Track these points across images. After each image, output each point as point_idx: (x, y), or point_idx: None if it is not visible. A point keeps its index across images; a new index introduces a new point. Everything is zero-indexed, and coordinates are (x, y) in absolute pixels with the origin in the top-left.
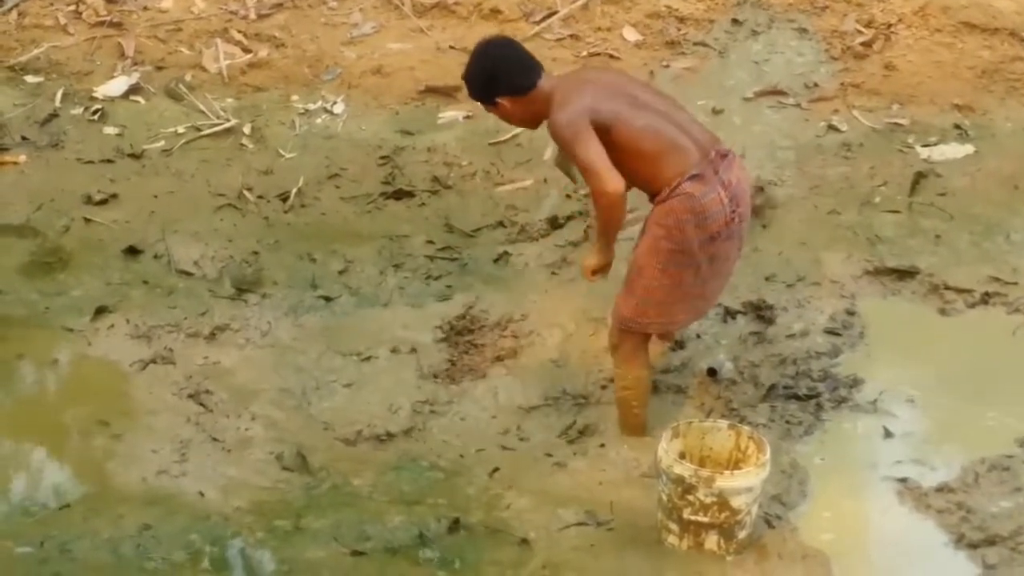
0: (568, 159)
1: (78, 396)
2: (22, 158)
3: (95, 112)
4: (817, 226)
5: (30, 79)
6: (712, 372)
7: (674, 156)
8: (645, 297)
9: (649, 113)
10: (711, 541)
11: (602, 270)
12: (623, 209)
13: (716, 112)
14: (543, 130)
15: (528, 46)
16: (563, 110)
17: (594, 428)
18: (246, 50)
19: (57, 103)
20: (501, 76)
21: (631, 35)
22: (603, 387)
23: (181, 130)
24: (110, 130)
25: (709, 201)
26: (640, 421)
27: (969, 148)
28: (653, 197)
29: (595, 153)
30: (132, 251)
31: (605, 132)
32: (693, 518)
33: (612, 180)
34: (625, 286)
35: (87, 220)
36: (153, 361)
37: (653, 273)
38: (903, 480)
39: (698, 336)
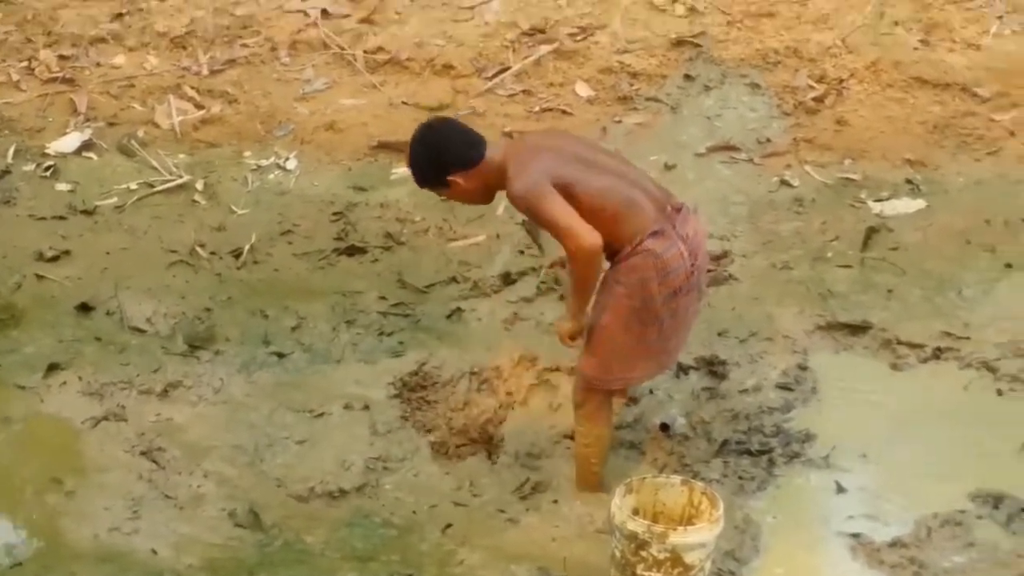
0: (535, 225)
1: (30, 453)
2: None
3: (47, 168)
4: (769, 281)
5: None
6: (664, 427)
7: (632, 214)
8: (608, 354)
9: (604, 174)
10: None
11: (580, 333)
12: (600, 264)
13: (669, 167)
14: None
15: (480, 102)
16: (520, 177)
17: (547, 484)
18: (199, 106)
19: (9, 159)
20: (447, 151)
21: (583, 90)
22: (556, 443)
23: (134, 186)
24: (62, 186)
25: (671, 256)
26: (598, 479)
27: (921, 203)
28: (612, 256)
29: (564, 211)
30: (84, 308)
31: (565, 196)
32: (647, 574)
33: (588, 235)
34: (587, 345)
35: (39, 277)
36: (105, 418)
37: (615, 331)
38: (856, 535)
39: (651, 391)
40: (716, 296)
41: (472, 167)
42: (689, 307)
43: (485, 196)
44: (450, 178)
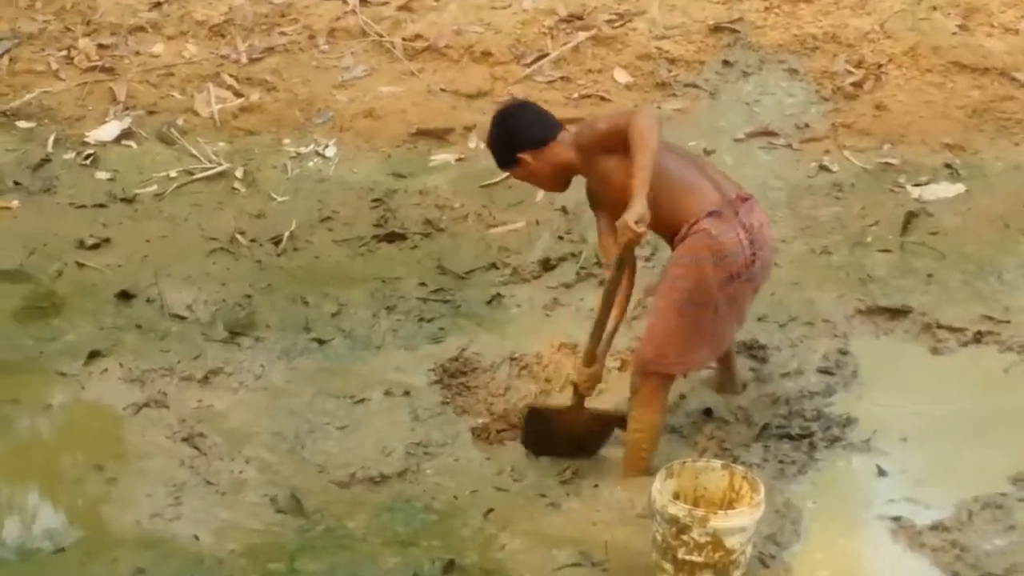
0: (602, 186)
1: (72, 440)
2: (15, 203)
3: (87, 157)
4: (809, 266)
5: (22, 124)
6: (708, 412)
7: (693, 195)
8: (664, 339)
9: (672, 155)
10: None
11: (644, 219)
12: (656, 127)
13: (707, 153)
14: None
15: (518, 89)
16: (571, 148)
17: (588, 469)
18: (238, 94)
19: (49, 148)
20: (517, 130)
21: (622, 77)
22: None
23: (173, 174)
24: (102, 175)
25: (727, 240)
26: (645, 465)
27: (960, 187)
28: (672, 238)
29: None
30: (125, 295)
31: (600, 175)
32: (688, 558)
33: (642, 110)
34: (646, 330)
35: (80, 265)
36: (147, 405)
37: (671, 314)
38: (897, 519)
39: (684, 376)
40: None
41: (541, 148)
42: (746, 296)
43: (556, 180)
44: (520, 155)
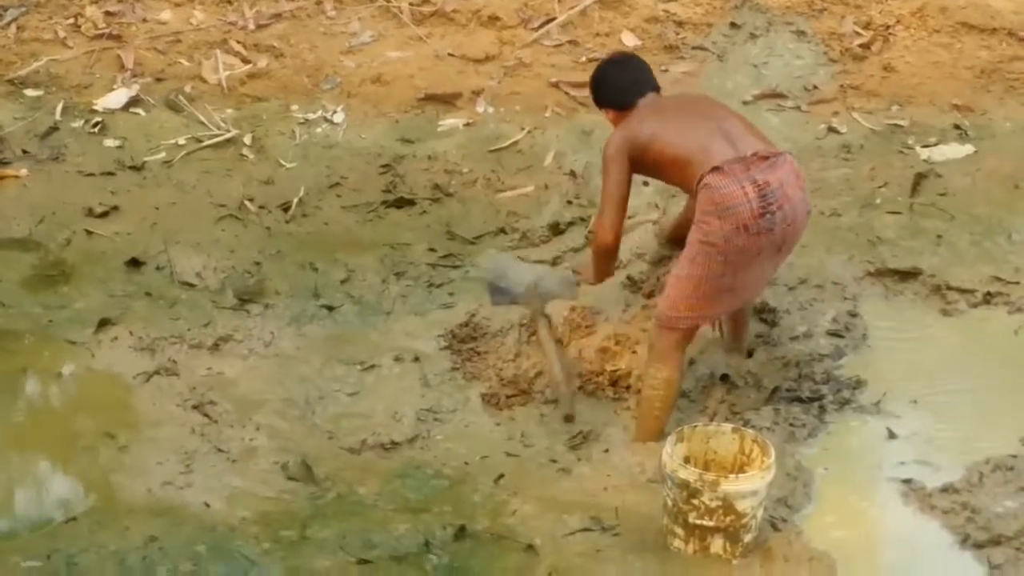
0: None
1: (82, 409)
2: (23, 172)
3: (95, 125)
4: (818, 228)
5: (30, 93)
6: (725, 377)
7: (702, 155)
8: (678, 292)
9: (689, 123)
10: (717, 545)
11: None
12: (607, 259)
13: None
14: (542, 136)
15: (526, 53)
16: (614, 136)
17: (598, 433)
18: (245, 61)
19: (57, 116)
20: (601, 88)
21: (630, 40)
22: (603, 388)
23: (181, 141)
24: (110, 142)
25: (728, 193)
26: (659, 426)
27: (969, 148)
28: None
29: (612, 192)
30: (134, 263)
31: (643, 150)
32: (698, 522)
33: (607, 231)
34: (665, 288)
35: (89, 233)
36: (157, 373)
37: (684, 265)
38: (907, 481)
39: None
40: None
41: (617, 110)
42: (761, 251)
43: None
44: (602, 108)
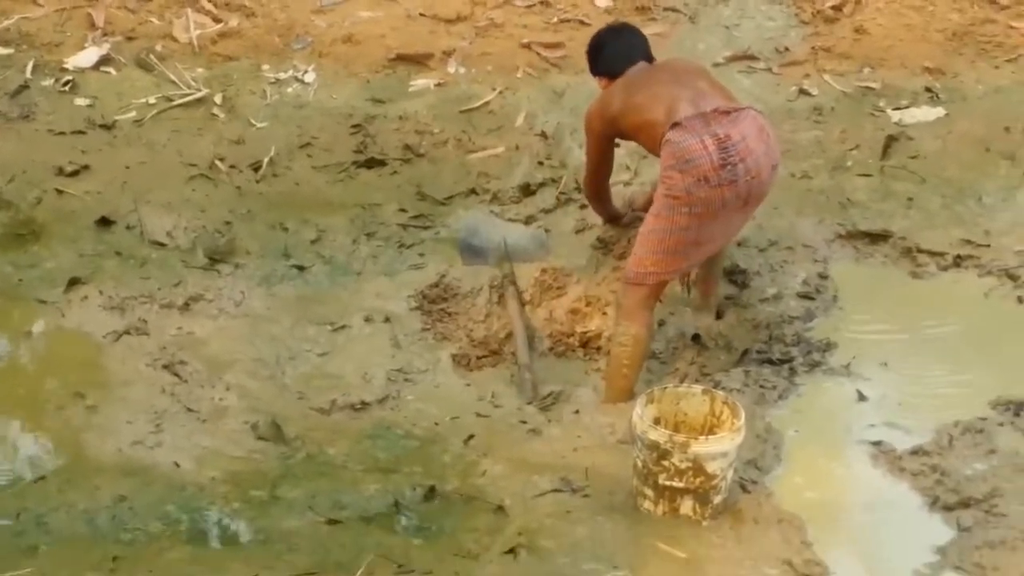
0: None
1: (52, 368)
2: None
3: (66, 83)
4: (789, 190)
5: (0, 51)
6: (696, 338)
7: (665, 114)
8: (644, 248)
9: (657, 89)
10: (686, 506)
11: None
12: (595, 209)
13: None
14: (513, 97)
15: (498, 13)
16: (592, 104)
17: (568, 395)
18: (216, 20)
19: (27, 75)
20: (596, 54)
21: (601, 2)
22: (574, 350)
23: (152, 100)
24: (81, 101)
25: (688, 146)
26: (628, 385)
27: (940, 111)
28: None
29: (591, 155)
30: (104, 222)
31: (617, 117)
32: (668, 483)
33: (585, 186)
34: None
35: (59, 191)
36: (127, 332)
37: (648, 221)
38: (877, 443)
39: (659, 301)
40: None
41: (609, 79)
42: (724, 203)
43: None
44: (596, 77)
